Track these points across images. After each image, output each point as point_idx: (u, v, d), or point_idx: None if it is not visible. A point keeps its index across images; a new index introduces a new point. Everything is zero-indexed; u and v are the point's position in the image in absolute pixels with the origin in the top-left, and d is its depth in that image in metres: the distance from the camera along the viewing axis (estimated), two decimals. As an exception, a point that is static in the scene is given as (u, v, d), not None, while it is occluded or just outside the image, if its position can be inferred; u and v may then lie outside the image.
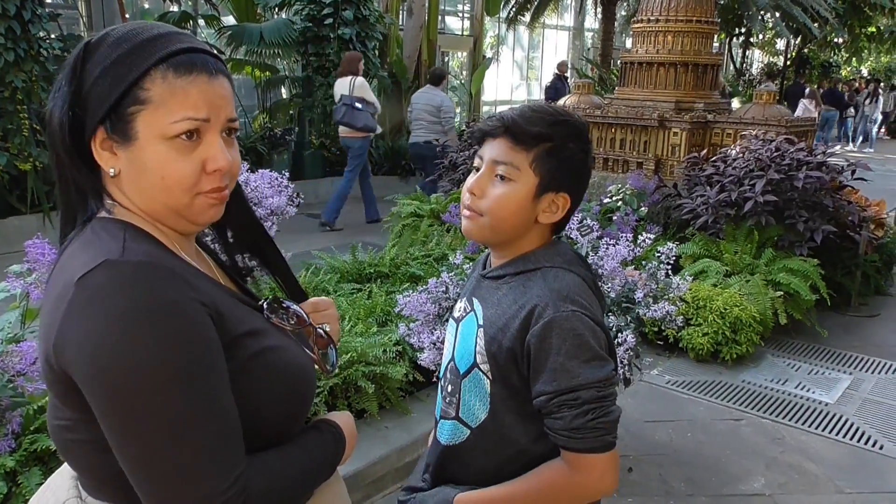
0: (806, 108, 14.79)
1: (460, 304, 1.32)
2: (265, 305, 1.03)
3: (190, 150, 0.88)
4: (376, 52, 9.09)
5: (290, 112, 9.28)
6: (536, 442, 1.17)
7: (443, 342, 2.61)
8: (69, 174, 0.91)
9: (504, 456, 1.20)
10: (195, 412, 0.80)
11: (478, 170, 1.22)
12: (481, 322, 1.21)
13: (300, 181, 7.94)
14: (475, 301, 1.26)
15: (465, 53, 14.27)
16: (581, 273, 1.21)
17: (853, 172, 4.92)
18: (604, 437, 1.10)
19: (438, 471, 1.30)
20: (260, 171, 3.88)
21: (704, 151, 5.32)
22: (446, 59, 13.79)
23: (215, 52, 0.94)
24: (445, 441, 1.28)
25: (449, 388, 1.28)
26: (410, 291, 2.94)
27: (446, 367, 1.31)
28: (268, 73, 9.16)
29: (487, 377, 1.19)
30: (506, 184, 1.17)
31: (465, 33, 14.17)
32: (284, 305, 1.06)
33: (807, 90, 14.80)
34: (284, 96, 9.64)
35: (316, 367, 1.06)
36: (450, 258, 3.37)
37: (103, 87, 0.86)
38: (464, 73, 14.76)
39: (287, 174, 3.88)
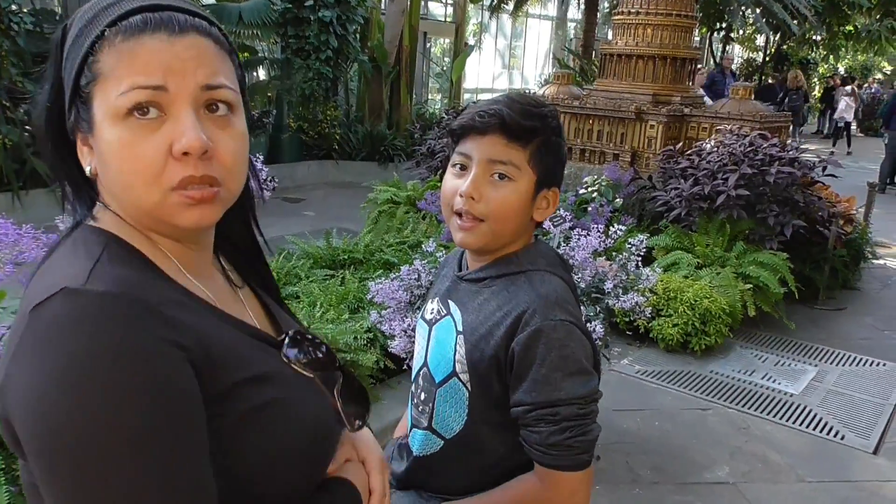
0: (848, 104, 14.99)
1: (432, 306, 1.24)
2: (286, 341, 0.83)
3: (149, 130, 0.69)
4: (357, 35, 9.02)
5: (269, 94, 9.18)
6: (513, 452, 1.11)
7: (414, 329, 2.61)
8: (56, 175, 0.78)
9: (478, 466, 1.15)
10: (154, 487, 0.63)
11: (463, 168, 1.12)
12: (461, 328, 1.14)
13: (277, 165, 7.87)
14: (452, 305, 1.19)
15: (447, 40, 14.20)
16: (563, 276, 1.17)
17: (824, 169, 4.99)
18: (579, 457, 1.05)
19: (408, 475, 1.25)
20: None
21: (680, 145, 5.37)
22: (428, 45, 13.72)
23: (195, 9, 0.75)
24: (417, 451, 1.21)
25: (422, 396, 1.21)
26: (383, 278, 2.94)
27: (418, 373, 1.24)
28: (246, 53, 9.04)
29: (466, 387, 1.13)
30: (506, 184, 1.09)
31: (447, 20, 14.09)
32: (310, 339, 0.86)
33: (848, 88, 15.10)
34: (262, 78, 9.53)
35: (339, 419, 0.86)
36: (423, 245, 3.37)
37: (68, 70, 0.72)
38: (446, 59, 14.70)
39: (261, 157, 3.85)
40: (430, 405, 1.18)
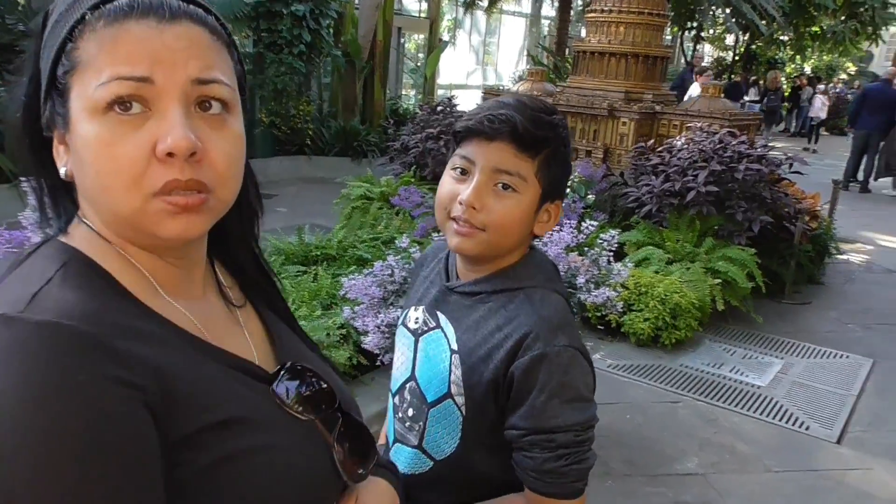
0: (823, 103, 15.32)
1: (417, 315, 1.17)
2: (280, 374, 0.73)
3: (131, 127, 0.61)
4: (330, 30, 8.97)
5: (240, 89, 9.09)
6: (505, 473, 1.07)
7: (387, 325, 2.62)
8: (35, 181, 0.69)
9: (468, 485, 1.11)
10: None
11: (464, 173, 1.05)
12: (455, 347, 1.08)
13: (250, 160, 7.78)
14: (442, 318, 1.12)
15: (421, 35, 14.19)
16: (560, 290, 1.13)
17: (790, 166, 5.09)
18: (573, 485, 1.02)
19: None
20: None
21: (651, 142, 5.43)
22: (402, 40, 13.68)
23: None
24: (404, 468, 1.15)
25: (410, 413, 1.15)
26: (356, 274, 2.94)
27: (403, 385, 1.17)
28: (218, 48, 8.93)
29: (461, 411, 1.08)
30: (510, 196, 1.03)
31: (422, 15, 14.07)
32: (311, 372, 0.76)
33: (822, 87, 15.43)
34: (234, 73, 9.42)
35: (338, 467, 0.75)
36: (397, 241, 3.37)
37: (45, 59, 0.64)
38: (420, 55, 14.68)
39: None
40: (421, 424, 1.12)
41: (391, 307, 2.64)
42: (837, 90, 19.11)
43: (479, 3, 14.72)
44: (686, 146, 4.87)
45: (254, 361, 0.73)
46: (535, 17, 18.49)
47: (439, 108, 6.34)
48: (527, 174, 1.03)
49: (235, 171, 0.68)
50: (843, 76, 22.52)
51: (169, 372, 0.61)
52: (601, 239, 2.81)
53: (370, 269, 2.75)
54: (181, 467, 0.59)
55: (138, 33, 0.61)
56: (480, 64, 17.98)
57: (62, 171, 0.66)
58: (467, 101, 7.20)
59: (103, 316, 0.60)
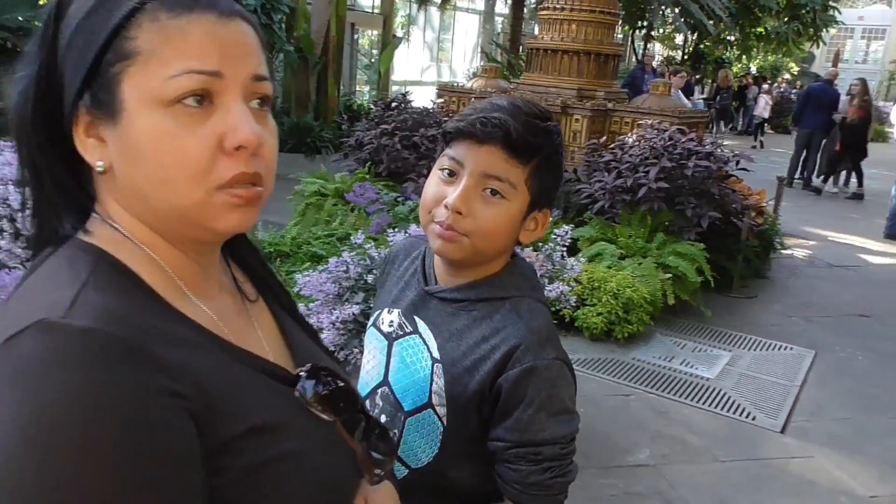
0: (767, 102, 15.75)
1: (391, 318, 1.12)
2: (303, 375, 0.71)
3: (198, 120, 0.61)
4: (282, 25, 8.84)
5: (190, 84, 8.90)
6: (483, 482, 1.06)
7: (343, 322, 2.60)
8: (43, 179, 0.65)
9: (443, 495, 1.10)
10: None
11: (452, 174, 1.02)
12: (437, 356, 1.05)
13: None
14: (421, 324, 1.08)
15: (375, 32, 14.10)
16: (544, 299, 1.12)
17: (737, 163, 5.23)
18: (556, 497, 1.02)
19: None
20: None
21: (604, 138, 5.50)
22: (356, 36, 13.58)
23: None
24: None
25: (382, 419, 1.10)
26: (311, 271, 2.90)
27: (373, 389, 1.13)
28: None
29: (442, 421, 1.05)
30: (498, 202, 1.00)
31: (375, 11, 13.98)
32: (328, 371, 0.74)
33: (766, 86, 15.83)
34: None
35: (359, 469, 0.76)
36: (352, 238, 3.34)
37: (78, 47, 0.61)
38: (374, 51, 14.59)
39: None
40: (396, 433, 1.09)
41: (346, 304, 2.62)
42: (781, 90, 19.71)
43: (433, -1, 14.71)
44: (637, 143, 4.95)
45: (271, 360, 0.73)
46: (488, 14, 18.57)
47: (394, 105, 6.32)
48: (517, 181, 1.00)
49: (276, 165, 0.69)
50: (787, 76, 23.24)
51: (205, 378, 0.60)
52: (555, 234, 2.84)
53: (325, 266, 2.72)
54: (217, 476, 0.59)
55: (206, 27, 0.61)
56: (435, 60, 17.98)
57: (99, 164, 0.63)
58: (422, 98, 7.18)
59: (141, 321, 0.59)
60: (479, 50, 17.40)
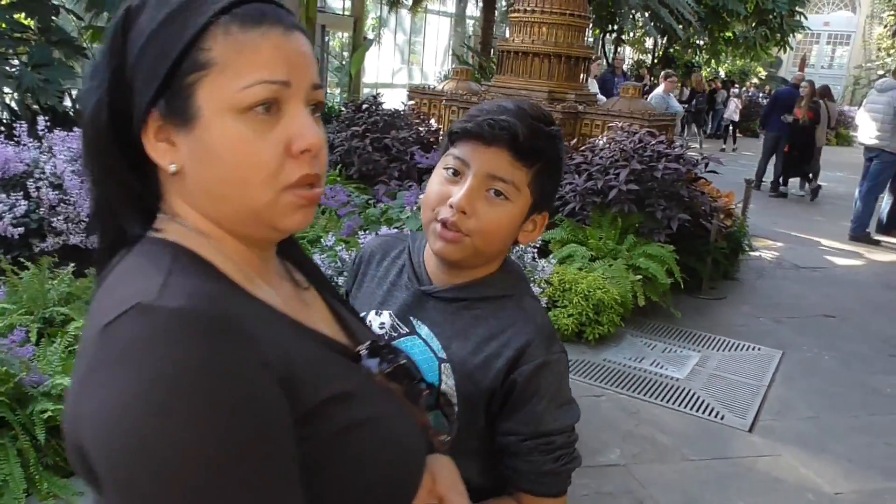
0: (737, 106, 15.98)
1: (381, 320, 1.12)
2: (364, 353, 0.77)
3: (268, 126, 0.66)
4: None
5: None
6: (484, 477, 1.07)
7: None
8: (111, 182, 0.69)
9: None
10: None
11: (456, 173, 1.03)
12: (443, 356, 1.06)
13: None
14: (419, 324, 1.09)
15: (345, 34, 14.04)
16: (536, 296, 1.14)
17: (706, 165, 5.29)
18: (565, 482, 1.06)
19: None
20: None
21: (574, 141, 5.54)
22: (326, 38, 13.50)
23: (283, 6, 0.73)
24: None
25: None
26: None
27: None
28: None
29: (448, 420, 1.07)
30: (502, 204, 1.02)
31: (346, 13, 13.92)
32: (388, 348, 0.80)
33: (736, 90, 16.03)
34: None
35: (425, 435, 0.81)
36: (323, 240, 3.31)
37: (153, 57, 0.65)
38: (344, 53, 14.53)
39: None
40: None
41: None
42: (749, 94, 20.02)
43: (404, 1, 14.68)
44: (608, 146, 4.98)
45: (335, 338, 0.78)
46: (459, 17, 18.60)
47: (364, 107, 6.28)
48: (520, 184, 1.02)
49: (327, 164, 0.74)
50: (755, 80, 23.63)
51: (288, 351, 0.65)
52: (525, 236, 2.84)
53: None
54: (303, 442, 0.63)
55: (274, 40, 0.67)
56: (406, 63, 17.95)
57: (172, 167, 0.68)
58: (393, 100, 7.15)
59: (226, 301, 0.64)
60: (450, 52, 17.41)
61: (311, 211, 0.71)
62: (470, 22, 19.01)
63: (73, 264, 3.02)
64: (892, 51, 19.90)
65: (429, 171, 1.15)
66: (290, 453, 0.61)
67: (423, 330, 1.08)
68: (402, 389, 0.77)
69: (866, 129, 7.57)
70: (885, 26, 20.50)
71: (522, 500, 1.06)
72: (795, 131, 9.83)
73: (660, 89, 9.21)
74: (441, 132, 6.27)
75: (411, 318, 1.09)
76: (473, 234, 1.02)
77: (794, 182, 10.62)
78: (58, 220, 3.31)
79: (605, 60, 15.07)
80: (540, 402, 1.03)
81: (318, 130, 0.69)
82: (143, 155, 0.68)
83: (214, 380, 0.57)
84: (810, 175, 10.24)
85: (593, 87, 7.75)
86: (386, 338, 1.10)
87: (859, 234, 7.74)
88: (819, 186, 10.16)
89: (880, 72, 21.18)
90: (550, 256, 3.97)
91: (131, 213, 0.70)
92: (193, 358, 0.57)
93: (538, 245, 2.85)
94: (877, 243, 7.67)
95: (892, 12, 18.37)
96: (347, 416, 0.67)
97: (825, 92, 10.48)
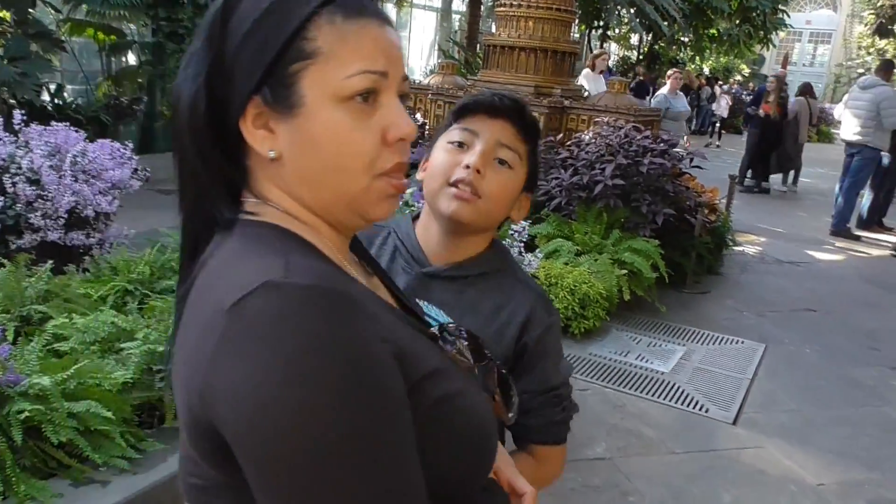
0: (727, 102, 16.08)
1: None
2: (439, 333, 0.82)
3: (366, 115, 0.69)
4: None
5: (139, 80, 8.66)
6: None
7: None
8: (207, 169, 0.70)
9: None
10: (380, 490, 0.61)
11: (462, 146, 1.11)
12: None
13: (150, 154, 7.45)
14: (427, 306, 1.12)
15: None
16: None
17: (691, 161, 5.32)
18: (567, 429, 1.18)
19: None
20: (99, 140, 3.61)
21: (561, 136, 5.54)
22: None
23: None
24: None
25: None
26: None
27: None
28: (113, 36, 8.48)
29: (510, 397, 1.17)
30: (506, 172, 1.11)
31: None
32: (456, 330, 0.85)
33: (726, 87, 16.10)
34: (132, 63, 8.97)
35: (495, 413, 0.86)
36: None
37: (255, 46, 0.67)
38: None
39: (130, 145, 3.63)
40: None
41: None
42: (734, 91, 20.17)
43: (391, -4, 14.61)
44: (593, 140, 5.00)
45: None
46: (445, 12, 18.56)
47: (351, 101, 6.25)
48: (522, 154, 1.12)
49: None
50: (739, 77, 23.80)
51: (393, 328, 0.69)
52: (512, 231, 2.84)
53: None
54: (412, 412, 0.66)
55: (374, 32, 0.69)
56: (393, 58, 17.88)
57: (270, 154, 0.69)
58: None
59: (342, 280, 0.68)
60: (436, 47, 17.38)
61: (396, 202, 0.74)
62: (456, 17, 18.98)
63: (51, 261, 2.96)
64: (871, 49, 20.12)
65: (415, 165, 1.19)
66: (410, 421, 0.64)
67: (433, 311, 1.11)
68: (474, 367, 0.83)
69: (848, 126, 7.65)
70: (866, 25, 20.71)
71: (536, 452, 1.16)
72: (766, 127, 9.96)
73: (665, 89, 8.88)
74: (427, 126, 6.25)
75: (417, 300, 1.13)
76: (484, 197, 1.08)
77: (777, 178, 10.71)
78: (35, 216, 3.23)
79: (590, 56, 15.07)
80: (548, 361, 1.14)
81: (411, 120, 0.72)
82: (231, 141, 0.70)
83: (351, 355, 0.59)
84: (781, 172, 10.38)
85: (599, 84, 7.63)
86: None
87: (840, 230, 7.82)
88: (768, 189, 10.38)
89: (860, 70, 21.43)
90: (537, 251, 3.97)
91: (226, 198, 0.71)
92: (329, 334, 0.59)
93: (525, 240, 2.85)
94: (857, 238, 7.77)
95: (872, 11, 18.56)
96: (439, 390, 0.70)
97: (807, 89, 10.57)
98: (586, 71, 8.35)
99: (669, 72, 9.28)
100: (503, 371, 0.91)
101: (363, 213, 0.72)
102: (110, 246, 3.59)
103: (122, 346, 2.52)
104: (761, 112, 10.00)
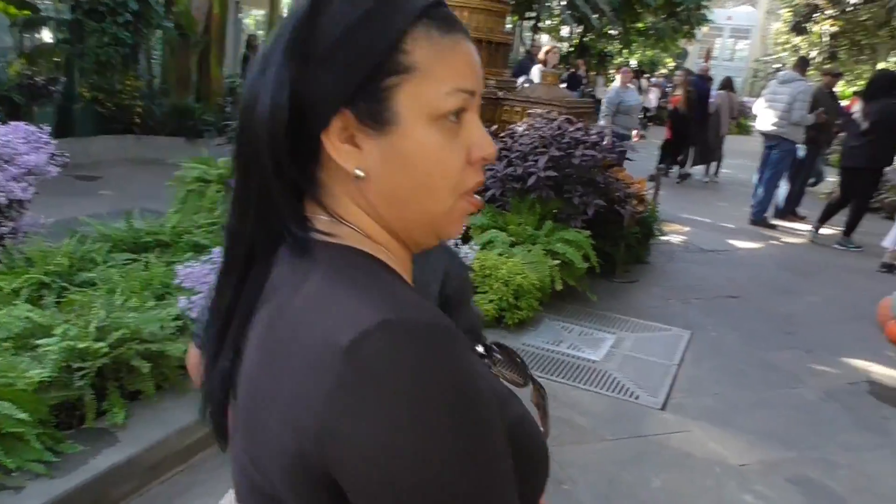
0: (656, 95, 16.43)
1: None
2: (488, 354, 0.80)
3: (455, 134, 0.66)
4: None
5: (56, 59, 8.22)
6: None
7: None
8: (280, 180, 0.64)
9: None
10: None
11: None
12: None
13: (69, 138, 7.09)
14: None
15: (262, 11, 13.59)
16: None
17: (623, 152, 5.44)
18: None
19: None
20: (12, 123, 3.40)
21: (495, 127, 5.57)
22: (240, 15, 13.03)
23: None
24: None
25: None
26: (193, 262, 2.75)
27: None
28: (26, 12, 8.00)
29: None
30: None
31: (261, -10, 13.46)
32: (501, 348, 0.84)
33: (654, 80, 16.46)
34: (48, 41, 8.51)
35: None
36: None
37: (349, 55, 0.62)
38: (260, 32, 14.07)
39: (47, 128, 3.44)
40: None
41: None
42: (661, 83, 20.77)
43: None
44: (527, 132, 5.04)
45: None
46: None
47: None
48: None
49: None
50: (664, 71, 24.50)
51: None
52: (448, 223, 2.84)
53: (208, 256, 2.59)
54: None
55: (465, 48, 0.67)
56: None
57: (358, 172, 0.65)
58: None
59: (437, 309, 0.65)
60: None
61: (466, 220, 0.73)
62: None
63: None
64: (787, 45, 21.07)
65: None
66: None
67: None
68: (524, 384, 0.85)
69: (766, 119, 7.97)
70: (783, 22, 21.67)
71: None
72: (674, 119, 10.37)
73: (616, 83, 9.15)
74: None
75: None
76: None
77: (699, 169, 11.10)
78: None
79: (522, 48, 15.24)
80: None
81: (492, 139, 0.70)
82: (304, 152, 0.65)
83: (474, 393, 0.59)
84: (680, 159, 10.86)
85: (631, 94, 8.40)
86: None
87: (759, 219, 8.18)
88: (689, 174, 10.88)
89: (777, 65, 22.40)
90: (472, 242, 3.99)
91: (297, 214, 0.67)
92: (460, 380, 0.58)
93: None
94: (774, 227, 8.14)
95: (790, 9, 19.44)
96: (510, 412, 0.69)
97: (727, 84, 10.99)
98: (616, 86, 8.76)
99: (622, 66, 9.63)
100: (541, 387, 0.91)
101: (442, 232, 0.70)
102: (24, 235, 3.40)
103: (38, 342, 2.40)
104: (669, 105, 10.40)
